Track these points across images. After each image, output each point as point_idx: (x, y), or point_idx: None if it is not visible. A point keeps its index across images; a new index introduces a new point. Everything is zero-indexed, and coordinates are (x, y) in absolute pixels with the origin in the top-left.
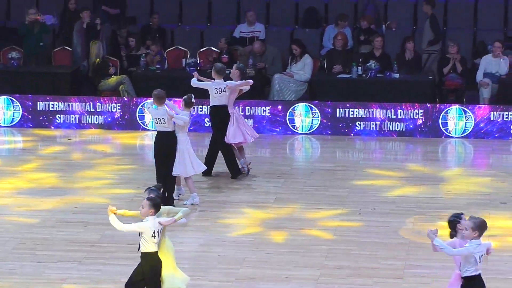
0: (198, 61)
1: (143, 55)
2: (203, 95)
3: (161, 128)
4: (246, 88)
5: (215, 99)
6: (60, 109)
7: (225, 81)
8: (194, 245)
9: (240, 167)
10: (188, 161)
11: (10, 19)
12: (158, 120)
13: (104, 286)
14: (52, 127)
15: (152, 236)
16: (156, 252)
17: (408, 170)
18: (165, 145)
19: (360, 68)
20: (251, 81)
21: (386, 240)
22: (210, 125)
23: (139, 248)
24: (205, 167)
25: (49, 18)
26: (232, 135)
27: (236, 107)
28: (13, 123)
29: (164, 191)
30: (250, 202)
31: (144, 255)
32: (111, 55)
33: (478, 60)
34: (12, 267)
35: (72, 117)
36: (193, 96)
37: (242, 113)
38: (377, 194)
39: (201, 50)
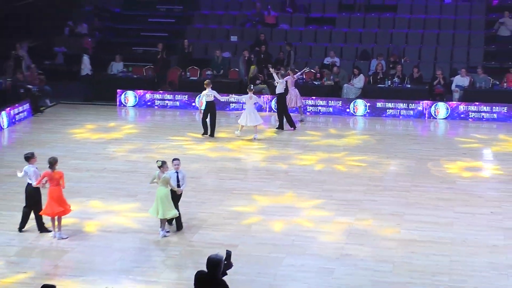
0: (304, 77)
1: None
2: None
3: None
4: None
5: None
6: (232, 101)
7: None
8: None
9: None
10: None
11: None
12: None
13: None
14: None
15: None
16: None
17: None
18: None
19: (389, 81)
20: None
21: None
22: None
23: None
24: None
25: (227, 54)
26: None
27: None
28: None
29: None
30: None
31: None
32: (258, 73)
33: None
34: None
35: (240, 105)
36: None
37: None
38: None
39: (306, 71)
